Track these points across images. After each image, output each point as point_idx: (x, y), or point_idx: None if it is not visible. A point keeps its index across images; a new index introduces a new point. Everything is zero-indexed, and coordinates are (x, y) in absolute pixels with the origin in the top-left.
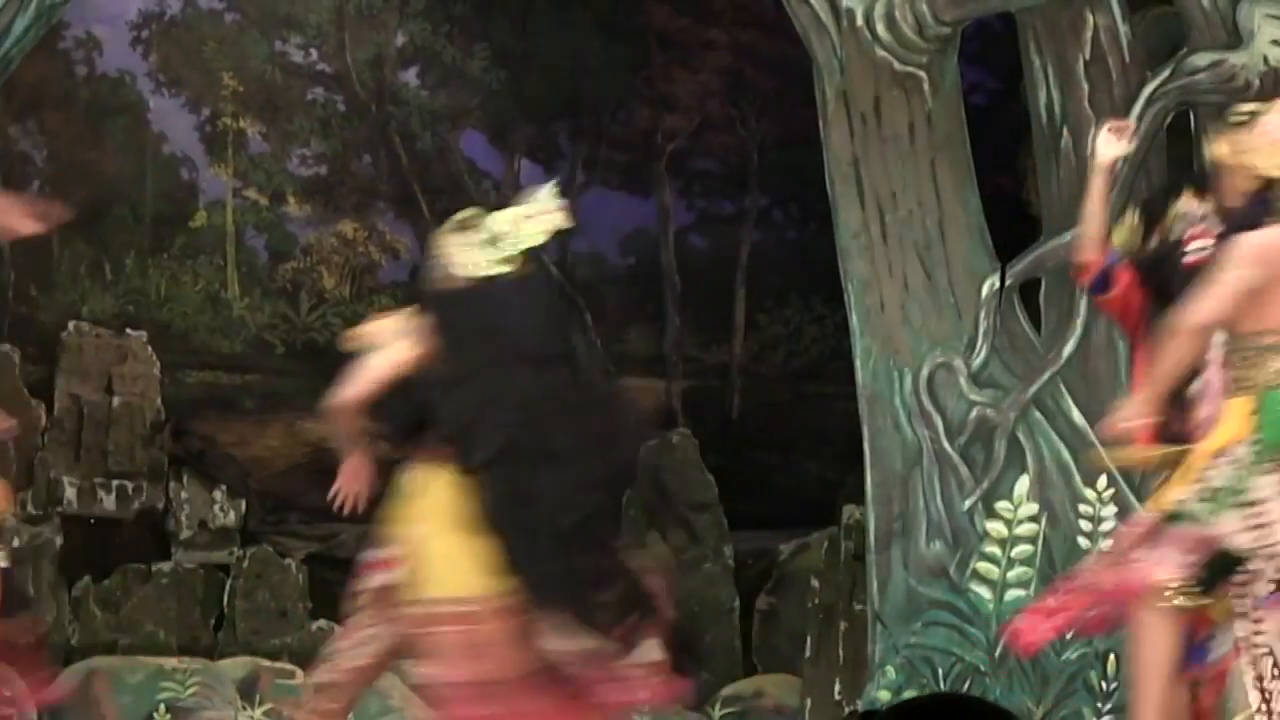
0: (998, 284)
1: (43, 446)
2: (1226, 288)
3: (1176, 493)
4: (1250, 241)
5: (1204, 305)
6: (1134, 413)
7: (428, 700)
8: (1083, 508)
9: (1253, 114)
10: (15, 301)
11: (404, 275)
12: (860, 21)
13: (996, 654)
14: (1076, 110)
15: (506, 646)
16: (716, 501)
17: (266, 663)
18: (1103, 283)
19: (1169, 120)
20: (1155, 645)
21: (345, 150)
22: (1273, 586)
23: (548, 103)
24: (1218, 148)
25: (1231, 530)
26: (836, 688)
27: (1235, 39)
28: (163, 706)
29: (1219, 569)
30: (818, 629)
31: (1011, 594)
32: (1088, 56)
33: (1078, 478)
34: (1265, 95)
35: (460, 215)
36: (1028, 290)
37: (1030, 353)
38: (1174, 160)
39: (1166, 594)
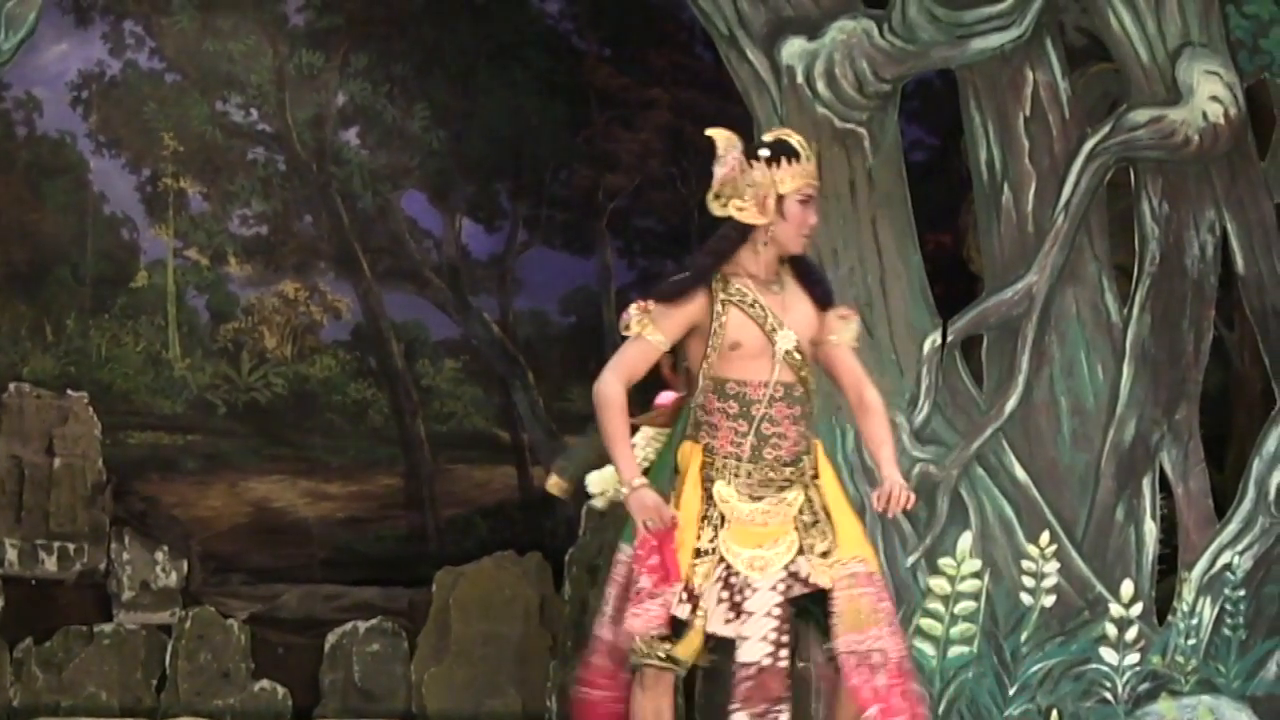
0: (939, 340)
1: None
2: None
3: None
4: None
5: None
6: None
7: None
8: (1025, 564)
9: None
10: None
11: (345, 335)
12: (800, 79)
13: (940, 709)
14: (1017, 167)
15: None
16: None
17: None
18: None
19: (1109, 176)
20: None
21: (286, 210)
22: None
23: (488, 162)
24: None
25: None
26: None
27: (1175, 95)
28: None
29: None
30: None
31: (955, 650)
32: (1028, 113)
33: (1020, 533)
34: (1205, 151)
35: None
36: (969, 347)
37: (972, 409)
38: (1115, 216)
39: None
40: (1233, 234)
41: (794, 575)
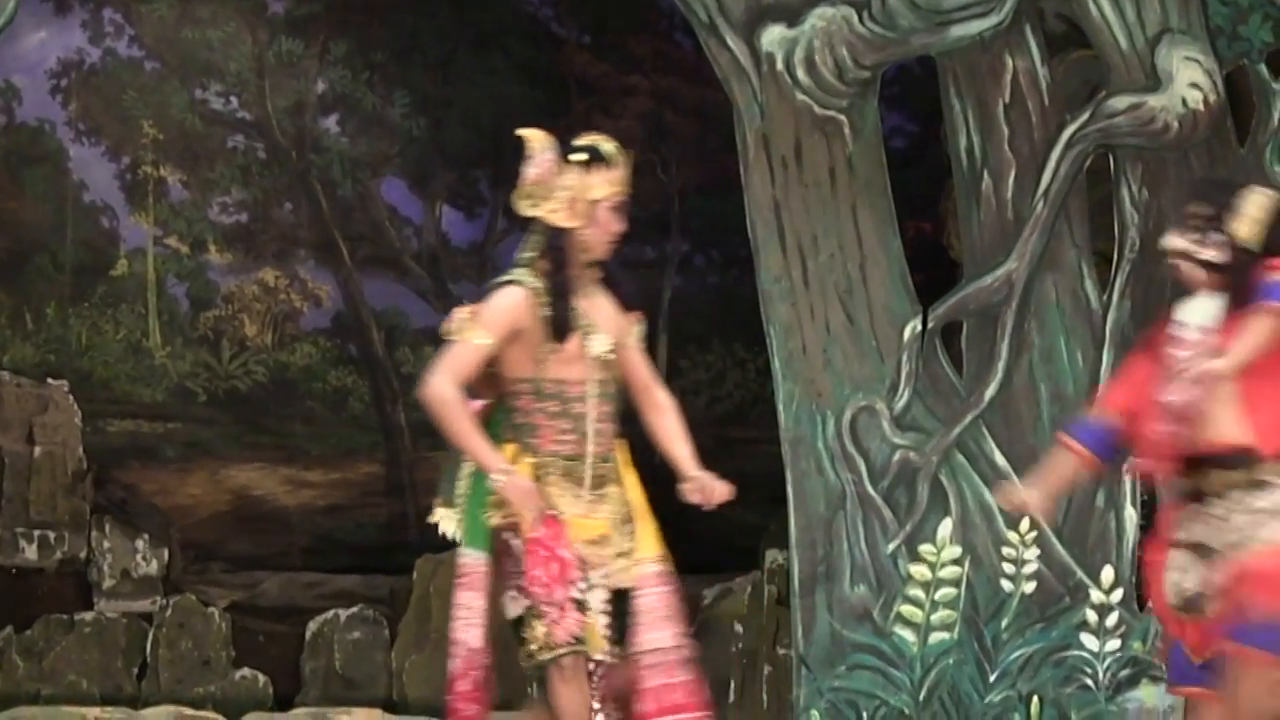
0: (919, 327)
1: None
2: None
3: None
4: None
5: None
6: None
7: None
8: (1006, 550)
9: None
10: None
11: (326, 322)
12: (780, 66)
13: (921, 696)
14: (997, 153)
15: None
16: None
17: (190, 711)
18: None
19: (1089, 162)
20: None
21: (266, 198)
22: None
23: (468, 149)
24: None
25: None
26: None
27: (1154, 82)
28: None
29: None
30: (741, 674)
31: (935, 637)
32: (1007, 100)
33: (1000, 520)
34: (1184, 137)
35: None
36: (949, 333)
37: (952, 396)
38: (1094, 203)
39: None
40: None
41: (613, 573)
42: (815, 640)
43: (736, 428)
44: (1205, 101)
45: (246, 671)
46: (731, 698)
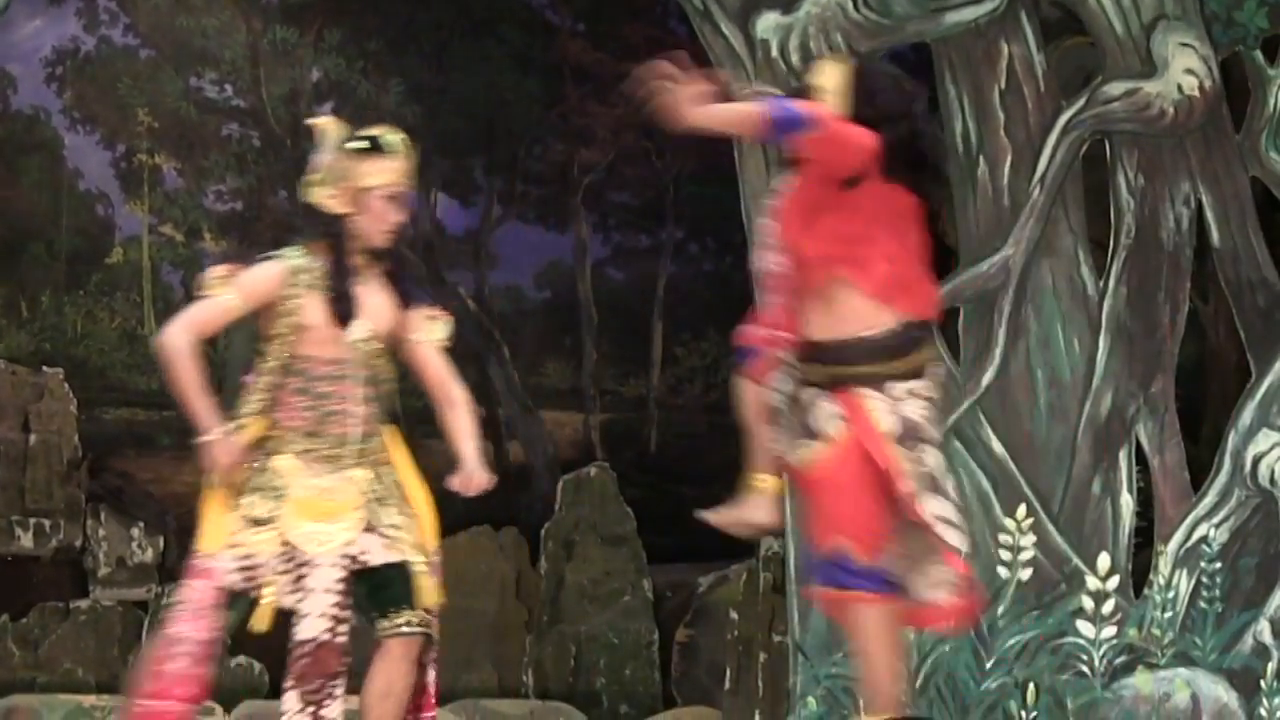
0: None
1: None
2: None
3: None
4: None
5: None
6: None
7: None
8: (1002, 537)
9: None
10: None
11: None
12: (775, 52)
13: (917, 683)
14: (992, 140)
15: None
16: (635, 534)
17: None
18: None
19: (1085, 149)
20: None
21: (261, 185)
22: None
23: (463, 137)
24: None
25: None
26: (756, 719)
27: (1150, 68)
28: None
29: None
30: (737, 661)
31: None
32: (1003, 86)
33: (997, 507)
34: (1180, 124)
35: None
36: (945, 320)
37: (949, 382)
38: (1090, 189)
39: None
40: (1208, 207)
41: (352, 553)
42: (811, 627)
43: (731, 415)
44: (1201, 88)
45: (242, 659)
46: (727, 685)
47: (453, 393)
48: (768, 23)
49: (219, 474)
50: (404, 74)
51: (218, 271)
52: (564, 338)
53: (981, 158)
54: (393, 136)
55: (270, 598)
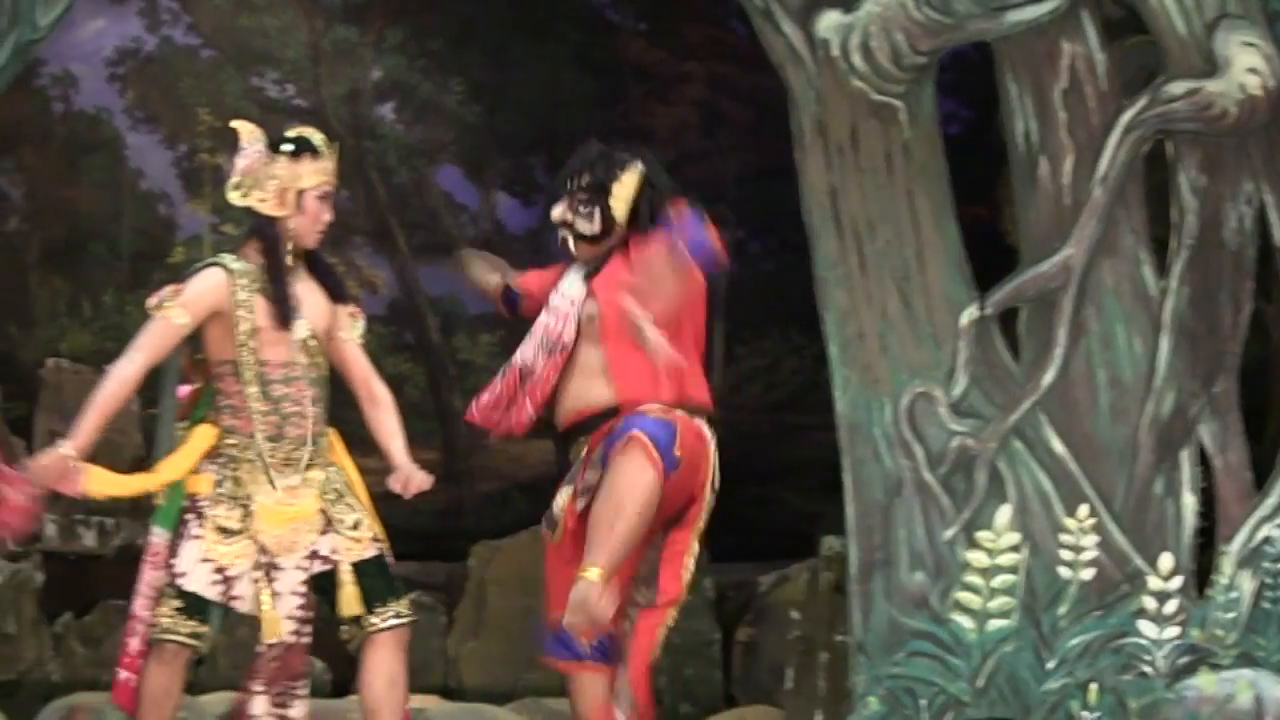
0: (976, 313)
1: None
2: None
3: None
4: None
5: None
6: None
7: None
8: (1064, 537)
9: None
10: None
11: (382, 309)
12: (836, 52)
13: (979, 684)
14: (1053, 139)
15: None
16: None
17: None
18: None
19: (1146, 148)
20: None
21: None
22: None
23: (523, 136)
24: None
25: None
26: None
27: (1212, 67)
28: None
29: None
30: (798, 661)
31: (993, 624)
32: (1064, 85)
33: (1058, 507)
34: (1242, 123)
35: None
36: (1006, 320)
37: (1009, 382)
38: (1152, 189)
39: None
40: (1270, 206)
41: (315, 554)
42: (873, 627)
43: (792, 414)
44: (1264, 87)
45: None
46: (788, 684)
47: (376, 390)
48: (829, 22)
49: (37, 485)
50: (465, 73)
51: (165, 292)
52: None
53: (1043, 157)
54: (319, 137)
55: (268, 605)
